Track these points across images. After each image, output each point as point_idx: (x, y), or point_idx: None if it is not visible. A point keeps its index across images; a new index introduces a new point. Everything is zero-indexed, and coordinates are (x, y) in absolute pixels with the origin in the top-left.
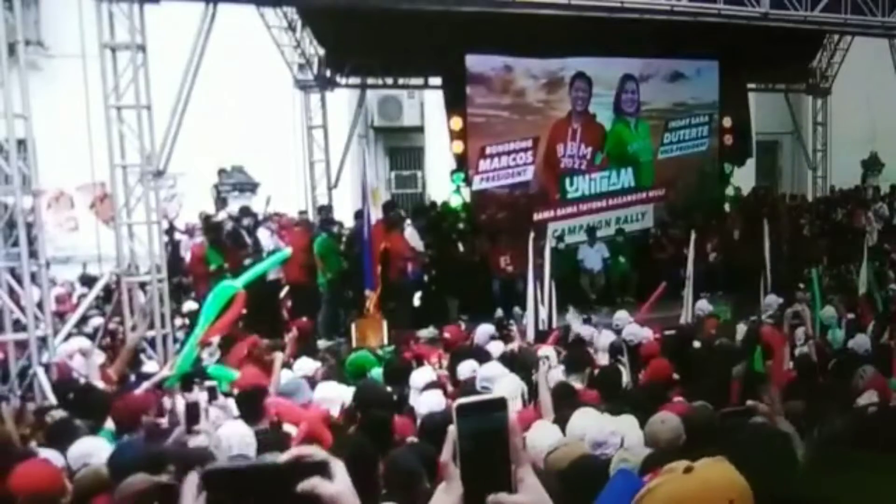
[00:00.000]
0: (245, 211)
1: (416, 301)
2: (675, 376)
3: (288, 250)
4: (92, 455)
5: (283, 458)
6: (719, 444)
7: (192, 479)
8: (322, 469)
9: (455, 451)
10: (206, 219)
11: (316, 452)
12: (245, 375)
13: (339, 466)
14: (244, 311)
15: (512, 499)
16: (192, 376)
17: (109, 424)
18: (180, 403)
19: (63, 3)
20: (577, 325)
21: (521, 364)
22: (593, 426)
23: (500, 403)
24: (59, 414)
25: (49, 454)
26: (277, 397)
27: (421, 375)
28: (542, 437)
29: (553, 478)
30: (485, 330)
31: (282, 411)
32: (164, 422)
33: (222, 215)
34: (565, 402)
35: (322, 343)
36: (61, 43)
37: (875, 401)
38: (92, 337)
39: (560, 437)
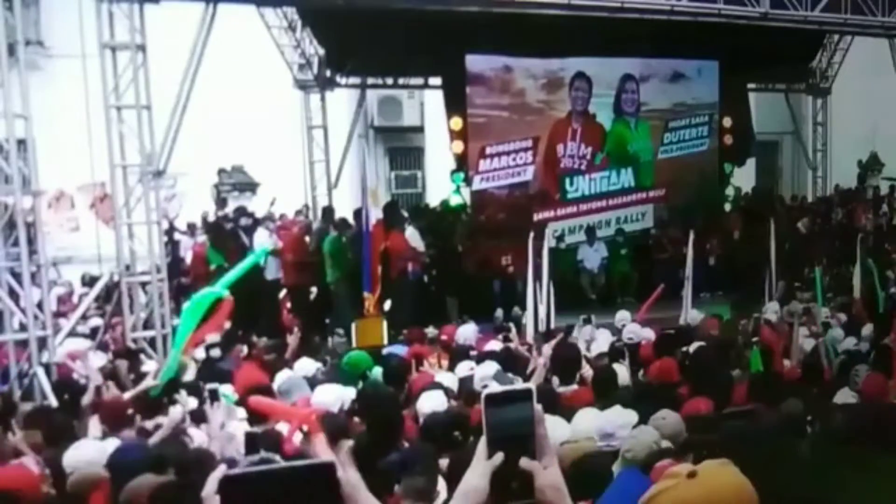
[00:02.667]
0: (241, 211)
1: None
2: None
3: (268, 246)
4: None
5: (292, 460)
6: (720, 444)
7: (215, 476)
8: (329, 469)
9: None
10: (207, 219)
11: (323, 454)
12: (245, 376)
13: (346, 461)
14: (239, 310)
15: (537, 467)
16: (177, 385)
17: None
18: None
19: (63, 3)
20: (586, 329)
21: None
22: (603, 417)
23: (527, 394)
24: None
25: None
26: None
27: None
28: (552, 432)
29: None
30: (469, 329)
31: (265, 409)
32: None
33: (216, 215)
34: (549, 407)
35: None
36: (61, 43)
37: (850, 400)
38: (91, 337)
39: (570, 433)
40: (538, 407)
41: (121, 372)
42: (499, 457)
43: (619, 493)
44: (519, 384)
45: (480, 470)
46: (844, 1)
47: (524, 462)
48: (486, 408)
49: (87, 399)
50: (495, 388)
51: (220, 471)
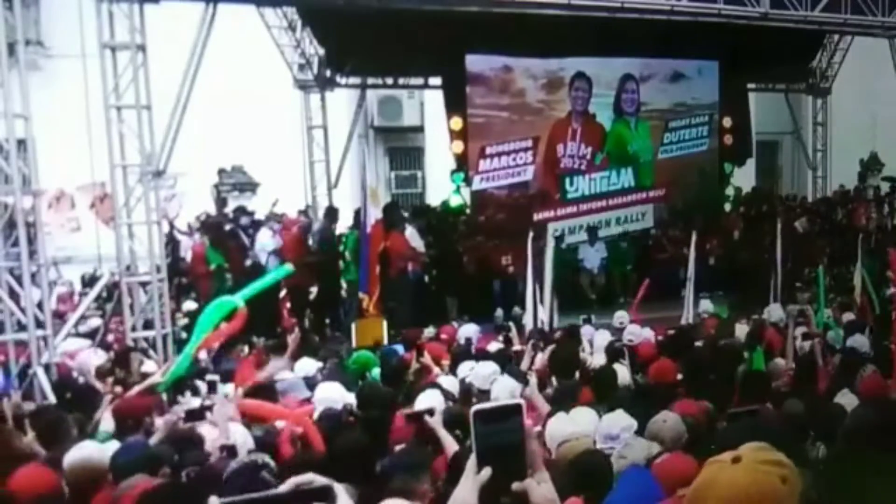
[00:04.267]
0: (241, 210)
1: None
2: (678, 376)
3: (289, 266)
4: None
5: (284, 486)
6: (721, 444)
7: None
8: (324, 494)
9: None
10: (207, 218)
11: (316, 478)
12: (244, 375)
13: (339, 490)
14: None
15: (531, 485)
16: (185, 381)
17: (106, 425)
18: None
19: (63, 3)
20: (586, 329)
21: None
22: (606, 419)
23: (517, 409)
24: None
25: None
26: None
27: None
28: (558, 429)
29: (562, 468)
30: (470, 329)
31: (257, 412)
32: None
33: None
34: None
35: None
36: (61, 43)
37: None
38: (91, 337)
39: (573, 431)
40: (528, 422)
41: (132, 366)
42: (486, 472)
43: (627, 492)
44: (508, 400)
45: (469, 485)
46: (844, 1)
47: (516, 486)
48: (475, 423)
49: (99, 414)
50: (485, 403)
51: (215, 500)
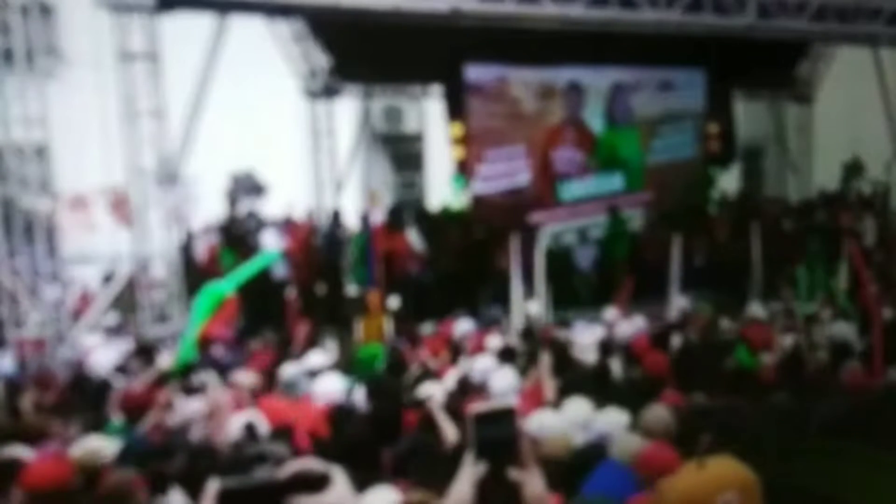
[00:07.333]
0: (252, 214)
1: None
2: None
3: (275, 252)
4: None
5: (284, 471)
6: (715, 433)
7: (212, 487)
8: (321, 482)
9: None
10: (221, 221)
11: (315, 465)
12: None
13: (338, 476)
14: (244, 309)
15: (525, 477)
16: (193, 367)
17: (116, 419)
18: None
19: (80, 13)
20: (577, 326)
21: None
22: (599, 418)
23: (511, 410)
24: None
25: None
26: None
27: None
28: (540, 422)
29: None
30: (467, 325)
31: (269, 411)
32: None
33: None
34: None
35: None
36: (79, 52)
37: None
38: (108, 333)
39: (557, 425)
40: (522, 423)
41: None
42: (481, 467)
43: (601, 485)
44: (502, 402)
45: (466, 480)
46: (830, 11)
47: (514, 473)
48: (472, 423)
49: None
50: (482, 404)
51: (216, 483)
